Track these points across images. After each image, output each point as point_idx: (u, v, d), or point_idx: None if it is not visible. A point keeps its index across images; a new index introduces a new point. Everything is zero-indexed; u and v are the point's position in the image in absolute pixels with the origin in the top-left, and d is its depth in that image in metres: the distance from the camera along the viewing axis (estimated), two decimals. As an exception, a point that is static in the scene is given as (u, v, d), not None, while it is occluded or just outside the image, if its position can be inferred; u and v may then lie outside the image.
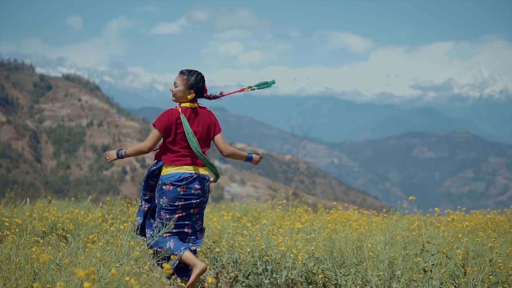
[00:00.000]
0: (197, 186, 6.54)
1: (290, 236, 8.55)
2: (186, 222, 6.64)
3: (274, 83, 7.01)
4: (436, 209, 8.07)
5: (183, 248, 6.46)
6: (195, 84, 6.59)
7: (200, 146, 6.53)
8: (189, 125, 6.45)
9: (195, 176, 6.53)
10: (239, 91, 6.92)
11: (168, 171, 6.50)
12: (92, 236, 7.93)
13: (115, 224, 8.66)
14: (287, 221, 10.08)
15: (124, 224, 8.12)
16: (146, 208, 6.92)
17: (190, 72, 6.62)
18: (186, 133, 6.45)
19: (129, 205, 10.92)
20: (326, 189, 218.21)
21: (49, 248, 6.94)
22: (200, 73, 6.67)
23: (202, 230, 6.92)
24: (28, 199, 13.29)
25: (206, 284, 7.66)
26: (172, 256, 6.43)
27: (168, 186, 6.45)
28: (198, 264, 6.31)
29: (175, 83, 6.61)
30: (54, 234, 8.10)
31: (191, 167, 6.53)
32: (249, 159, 6.91)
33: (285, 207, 14.17)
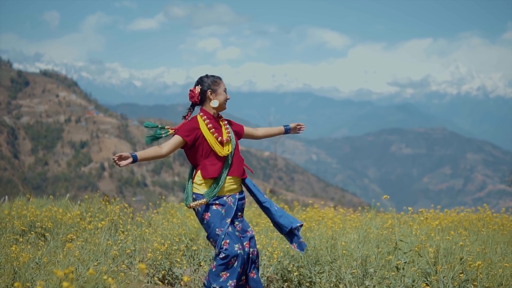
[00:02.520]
0: None
1: (266, 234, 8.66)
2: None
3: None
4: (409, 208, 8.19)
5: None
6: None
7: None
8: None
9: None
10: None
11: None
12: (71, 235, 8.00)
13: (93, 222, 8.73)
14: (264, 219, 10.17)
15: (102, 222, 8.20)
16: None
17: None
18: None
19: (107, 203, 10.97)
20: (305, 186, 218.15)
21: (28, 246, 7.00)
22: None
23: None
24: (6, 197, 13.30)
25: (182, 283, 7.75)
26: None
27: None
28: None
29: (225, 89, 6.33)
30: (32, 232, 8.14)
31: None
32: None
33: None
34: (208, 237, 6.07)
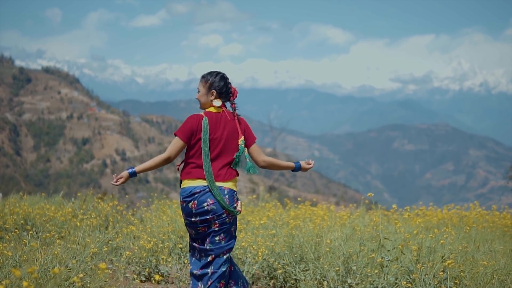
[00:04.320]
0: (210, 201, 5.64)
1: (252, 231, 8.68)
2: (208, 239, 5.76)
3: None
4: (393, 206, 8.20)
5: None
6: (214, 84, 5.92)
7: (224, 156, 5.84)
8: (207, 132, 5.75)
9: (207, 189, 5.67)
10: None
11: (183, 185, 5.78)
12: (53, 232, 8.00)
13: (84, 220, 8.74)
14: (256, 216, 10.18)
15: (94, 219, 8.22)
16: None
17: (209, 73, 5.99)
18: (202, 141, 5.73)
19: (100, 200, 10.99)
20: (307, 182, 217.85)
21: (12, 244, 7.00)
22: (220, 72, 6.02)
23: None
24: (1, 194, 13.34)
25: (153, 281, 7.76)
26: None
27: (181, 203, 5.76)
28: None
29: (198, 89, 5.96)
30: (16, 230, 8.11)
31: (205, 181, 5.72)
32: (297, 169, 5.96)
33: (255, 202, 14.21)
34: (232, 242, 5.82)
